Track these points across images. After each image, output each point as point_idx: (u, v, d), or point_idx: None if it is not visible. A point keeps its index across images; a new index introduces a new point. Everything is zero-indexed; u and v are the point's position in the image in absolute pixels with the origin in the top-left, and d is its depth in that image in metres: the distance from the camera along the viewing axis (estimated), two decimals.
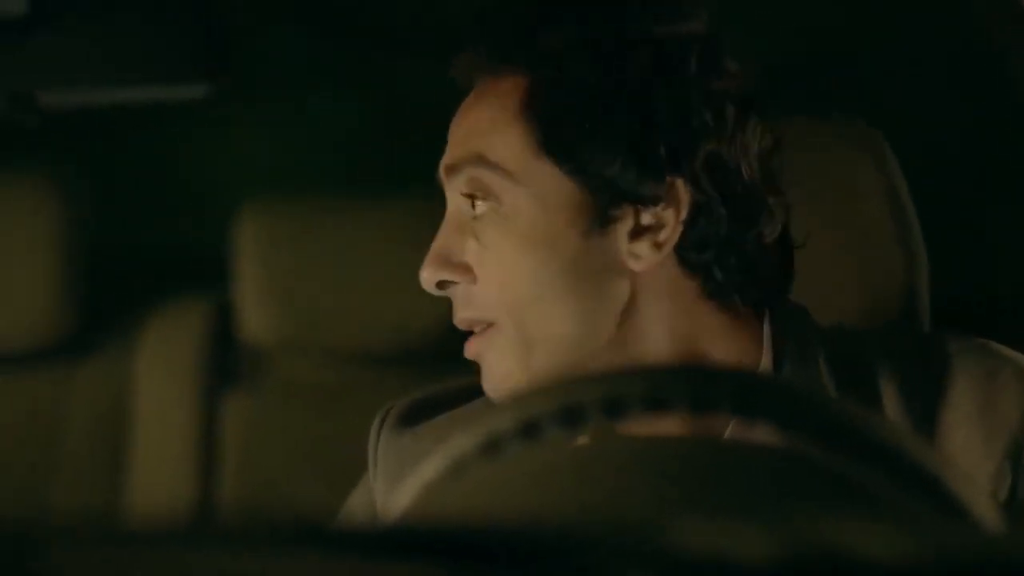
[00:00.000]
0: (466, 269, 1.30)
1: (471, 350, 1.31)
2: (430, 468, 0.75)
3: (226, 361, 2.33)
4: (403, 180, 2.25)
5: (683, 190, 1.25)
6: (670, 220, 1.26)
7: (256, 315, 2.27)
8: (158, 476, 2.28)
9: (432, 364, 2.13)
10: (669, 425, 1.21)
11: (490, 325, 1.29)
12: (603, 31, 1.28)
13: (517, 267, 1.27)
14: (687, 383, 0.74)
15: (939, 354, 1.30)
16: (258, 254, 2.28)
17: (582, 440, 0.84)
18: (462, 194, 1.30)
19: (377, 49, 2.56)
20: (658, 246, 1.26)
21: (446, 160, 1.32)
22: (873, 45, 2.43)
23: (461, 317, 1.31)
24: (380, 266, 2.26)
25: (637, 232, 1.27)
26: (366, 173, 2.60)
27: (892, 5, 2.40)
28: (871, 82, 2.41)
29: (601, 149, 1.25)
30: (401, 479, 0.81)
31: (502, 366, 1.29)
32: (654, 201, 1.26)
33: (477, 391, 1.36)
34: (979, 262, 2.35)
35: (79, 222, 2.33)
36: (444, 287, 1.31)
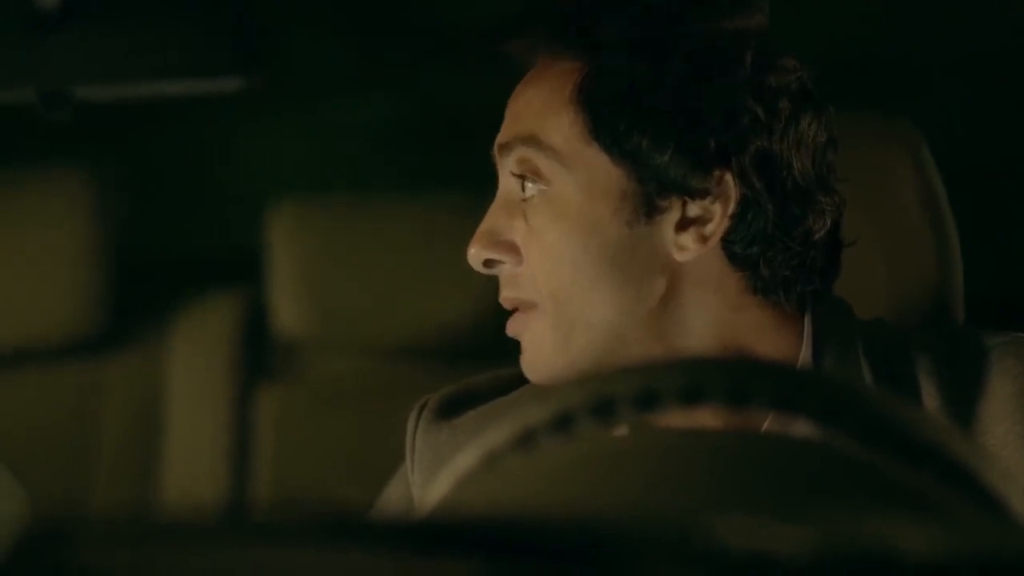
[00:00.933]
0: (513, 249, 1.30)
1: (512, 327, 1.32)
2: (463, 461, 0.74)
3: (259, 356, 2.34)
4: (435, 177, 2.25)
5: (731, 184, 1.26)
6: (717, 213, 1.26)
7: (288, 310, 2.28)
8: (191, 470, 2.29)
9: (464, 358, 2.13)
10: (706, 418, 1.21)
11: (533, 306, 1.30)
12: (661, 22, 1.28)
13: (562, 251, 1.28)
14: (725, 376, 0.74)
15: (977, 349, 1.29)
16: (291, 249, 2.28)
17: (619, 433, 0.83)
18: (513, 174, 1.30)
19: (409, 48, 2.57)
20: (704, 239, 1.27)
21: (500, 138, 1.33)
22: (913, 43, 2.42)
23: (505, 296, 1.32)
24: (412, 262, 2.27)
25: (683, 224, 1.27)
26: (398, 170, 2.60)
27: (939, 5, 2.39)
28: (909, 79, 2.40)
29: (651, 139, 1.25)
30: (438, 472, 0.81)
31: (541, 347, 1.30)
32: (702, 194, 1.26)
33: (514, 383, 1.37)
34: (1014, 260, 2.34)
35: (112, 217, 2.34)
36: (490, 266, 1.31)
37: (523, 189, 1.30)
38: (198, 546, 0.56)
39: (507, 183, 1.32)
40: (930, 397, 1.28)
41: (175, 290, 2.42)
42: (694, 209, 1.27)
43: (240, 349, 2.34)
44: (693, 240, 1.27)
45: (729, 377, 0.73)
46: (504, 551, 0.55)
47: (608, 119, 1.27)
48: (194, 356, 2.33)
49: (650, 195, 1.27)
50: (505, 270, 1.31)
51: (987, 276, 1.71)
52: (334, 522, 0.56)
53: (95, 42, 1.45)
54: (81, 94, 1.52)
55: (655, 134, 1.26)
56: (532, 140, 1.29)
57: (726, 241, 1.27)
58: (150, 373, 2.34)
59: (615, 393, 0.74)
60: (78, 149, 2.44)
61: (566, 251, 1.28)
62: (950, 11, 2.39)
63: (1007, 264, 2.32)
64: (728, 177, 1.26)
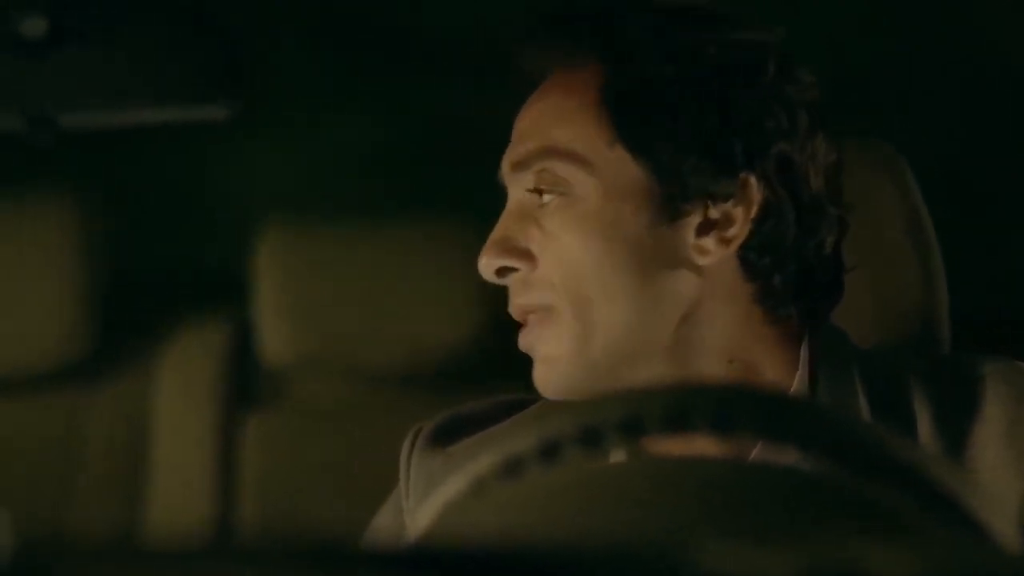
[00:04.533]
0: (527, 255, 1.29)
1: (525, 339, 1.30)
2: (451, 488, 0.75)
3: (245, 381, 2.33)
4: (422, 201, 2.25)
5: (755, 188, 1.26)
6: (739, 217, 1.26)
7: (275, 335, 2.27)
8: (178, 496, 2.28)
9: (452, 384, 2.13)
10: (699, 444, 1.21)
11: (548, 311, 1.28)
12: (686, 26, 1.29)
13: (582, 254, 1.27)
14: (710, 403, 0.74)
15: (970, 375, 1.29)
16: (277, 274, 2.28)
17: (612, 459, 0.83)
18: (528, 191, 1.29)
19: (396, 71, 2.57)
20: (726, 242, 1.26)
21: (513, 156, 1.31)
22: (895, 66, 2.43)
23: (517, 303, 1.30)
24: (398, 286, 2.26)
25: (705, 227, 1.27)
26: (384, 194, 2.60)
27: (915, 27, 2.40)
28: (892, 103, 2.40)
29: (677, 142, 1.25)
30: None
31: (557, 356, 1.28)
32: (724, 197, 1.26)
33: (511, 409, 1.36)
34: (999, 283, 2.35)
35: (99, 243, 2.34)
36: (503, 274, 1.30)
37: (540, 197, 1.29)
38: (184, 573, 0.57)
39: (519, 196, 1.31)
40: (924, 424, 1.27)
41: (161, 315, 2.41)
42: (716, 212, 1.26)
43: (226, 374, 2.33)
44: (714, 243, 1.27)
45: (714, 405, 0.73)
46: None
47: (633, 122, 1.27)
48: (180, 381, 2.33)
49: (673, 197, 1.26)
50: (518, 277, 1.30)
51: (971, 297, 1.71)
52: (321, 550, 0.57)
53: (82, 69, 1.46)
54: (67, 120, 1.52)
55: (681, 137, 1.26)
56: (552, 151, 1.28)
57: (743, 248, 1.27)
58: (136, 398, 2.33)
59: (601, 421, 0.74)
60: (64, 174, 2.44)
61: (587, 252, 1.26)
62: (931, 34, 2.40)
63: (990, 285, 2.32)
64: (752, 180, 1.26)
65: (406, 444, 1.40)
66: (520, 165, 1.30)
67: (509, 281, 1.30)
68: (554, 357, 1.28)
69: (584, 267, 1.27)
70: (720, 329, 1.28)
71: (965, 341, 1.55)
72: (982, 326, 1.77)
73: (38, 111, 1.52)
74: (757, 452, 1.23)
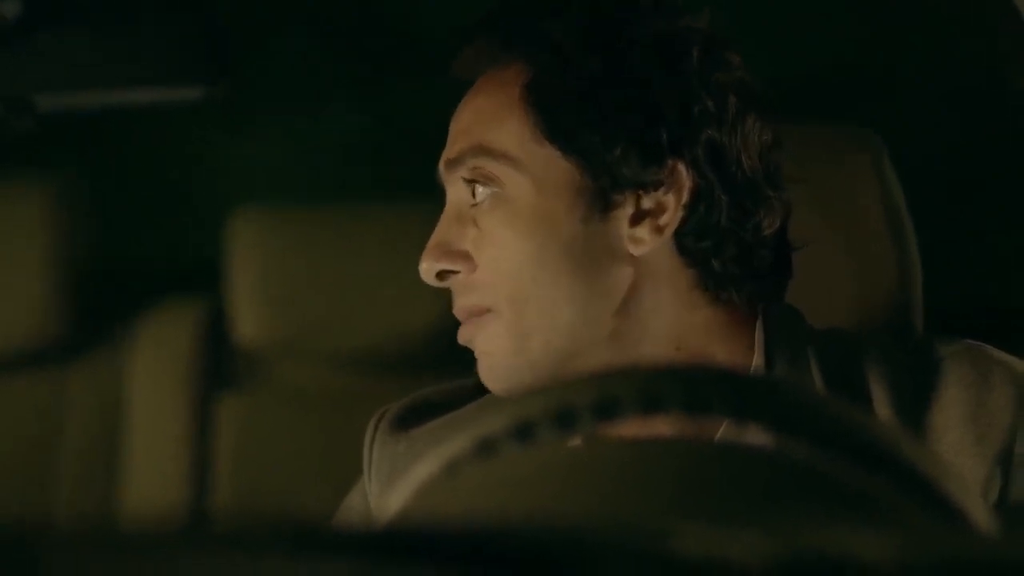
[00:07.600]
0: (466, 257, 1.30)
1: (463, 334, 1.31)
2: (423, 470, 0.75)
3: (220, 364, 2.33)
4: (397, 186, 2.25)
5: (684, 174, 1.26)
6: (671, 204, 1.27)
7: (249, 319, 2.27)
8: (152, 479, 2.28)
9: (425, 368, 2.13)
10: (661, 426, 1.21)
11: (487, 312, 1.29)
12: (609, 20, 1.29)
13: (517, 252, 1.27)
14: (682, 385, 0.74)
15: (930, 357, 1.30)
16: (252, 258, 2.28)
17: (576, 442, 0.83)
18: (464, 180, 1.30)
19: (374, 58, 2.57)
20: (659, 230, 1.27)
21: (447, 155, 1.32)
22: (876, 54, 2.43)
23: (460, 305, 1.31)
24: (372, 271, 2.27)
25: (638, 216, 1.27)
26: (360, 179, 2.60)
27: (895, 16, 2.40)
28: (872, 90, 2.41)
29: (603, 135, 1.26)
30: (394, 483, 0.81)
31: (496, 353, 1.29)
32: (655, 185, 1.26)
33: (473, 393, 1.36)
34: (974, 270, 2.36)
35: (74, 225, 2.33)
36: (444, 278, 1.31)
37: (474, 194, 1.30)
38: (158, 555, 0.57)
39: (456, 194, 1.32)
40: (882, 405, 1.28)
41: (136, 299, 2.41)
42: (648, 201, 1.27)
43: (201, 358, 2.33)
44: (648, 232, 1.27)
45: (689, 386, 0.73)
46: (461, 560, 0.55)
47: (559, 118, 1.28)
48: (155, 365, 2.32)
49: (604, 190, 1.27)
50: (459, 279, 1.31)
51: (946, 284, 1.72)
52: (294, 531, 0.57)
53: (59, 50, 1.45)
54: (45, 103, 1.51)
55: (607, 130, 1.26)
56: (482, 150, 1.29)
57: (679, 235, 1.28)
58: (112, 382, 2.33)
59: (576, 402, 0.74)
60: (40, 158, 2.43)
61: (523, 251, 1.27)
62: (914, 23, 2.41)
63: (965, 272, 2.33)
64: (681, 167, 1.26)
65: (369, 428, 1.41)
66: (454, 163, 1.31)
67: (450, 283, 1.31)
68: (492, 352, 1.29)
69: (520, 265, 1.28)
70: (663, 317, 1.29)
71: (939, 326, 1.55)
72: (957, 314, 1.77)
73: (14, 94, 1.51)
74: (722, 433, 1.24)
